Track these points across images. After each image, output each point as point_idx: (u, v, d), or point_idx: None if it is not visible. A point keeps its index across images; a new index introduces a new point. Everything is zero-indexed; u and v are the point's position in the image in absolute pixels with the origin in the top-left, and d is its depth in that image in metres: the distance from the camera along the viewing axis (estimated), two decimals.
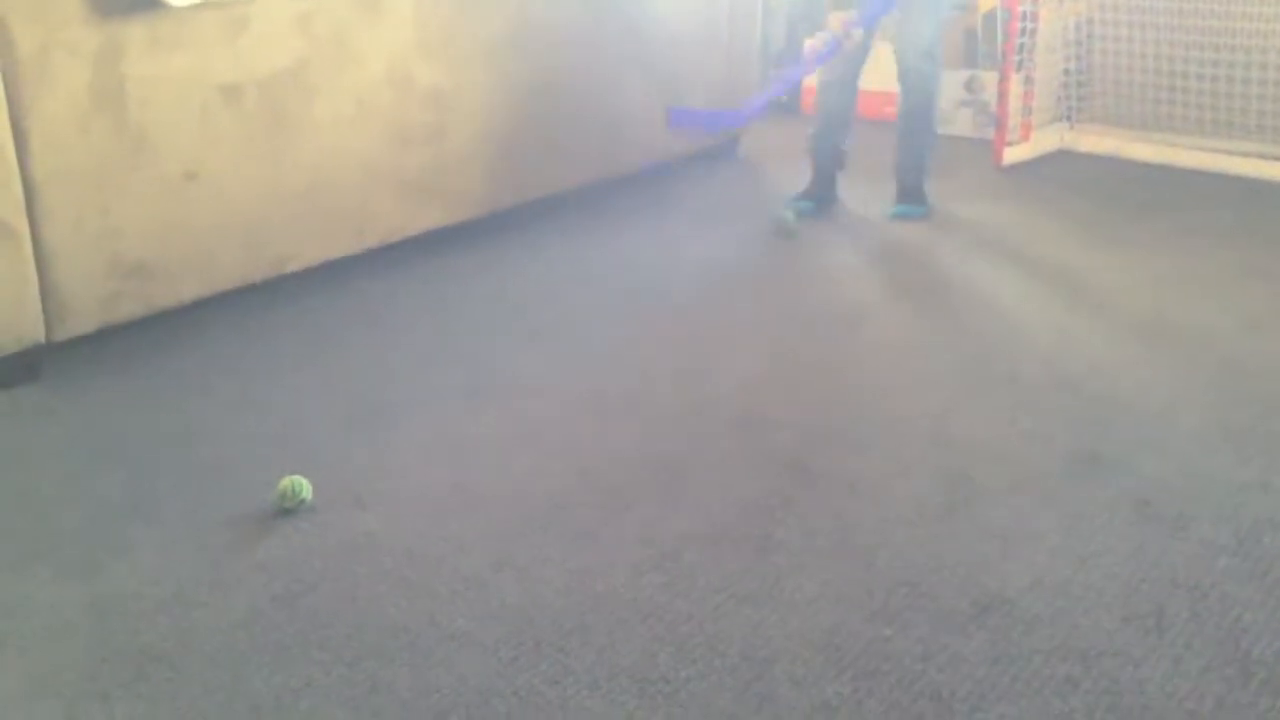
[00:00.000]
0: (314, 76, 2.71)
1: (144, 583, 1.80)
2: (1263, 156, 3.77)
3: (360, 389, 2.43)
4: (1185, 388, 2.42)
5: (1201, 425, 2.26)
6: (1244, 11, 3.78)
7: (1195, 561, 1.83)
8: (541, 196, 3.36)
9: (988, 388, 2.43)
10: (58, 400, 2.39)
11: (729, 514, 1.98)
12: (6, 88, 2.25)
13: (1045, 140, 4.08)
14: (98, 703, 1.56)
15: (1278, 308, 2.80)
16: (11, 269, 2.33)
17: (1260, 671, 1.59)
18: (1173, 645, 1.65)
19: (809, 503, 2.01)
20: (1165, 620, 1.70)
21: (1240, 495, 2.01)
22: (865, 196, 3.60)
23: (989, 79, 4.17)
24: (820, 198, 3.52)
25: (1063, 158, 4.08)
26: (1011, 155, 3.94)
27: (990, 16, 4.30)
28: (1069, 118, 4.17)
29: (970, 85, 4.30)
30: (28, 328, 2.39)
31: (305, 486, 1.98)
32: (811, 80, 4.44)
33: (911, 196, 3.46)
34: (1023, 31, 3.87)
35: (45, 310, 2.40)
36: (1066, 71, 4.10)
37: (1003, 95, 3.87)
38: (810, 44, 4.41)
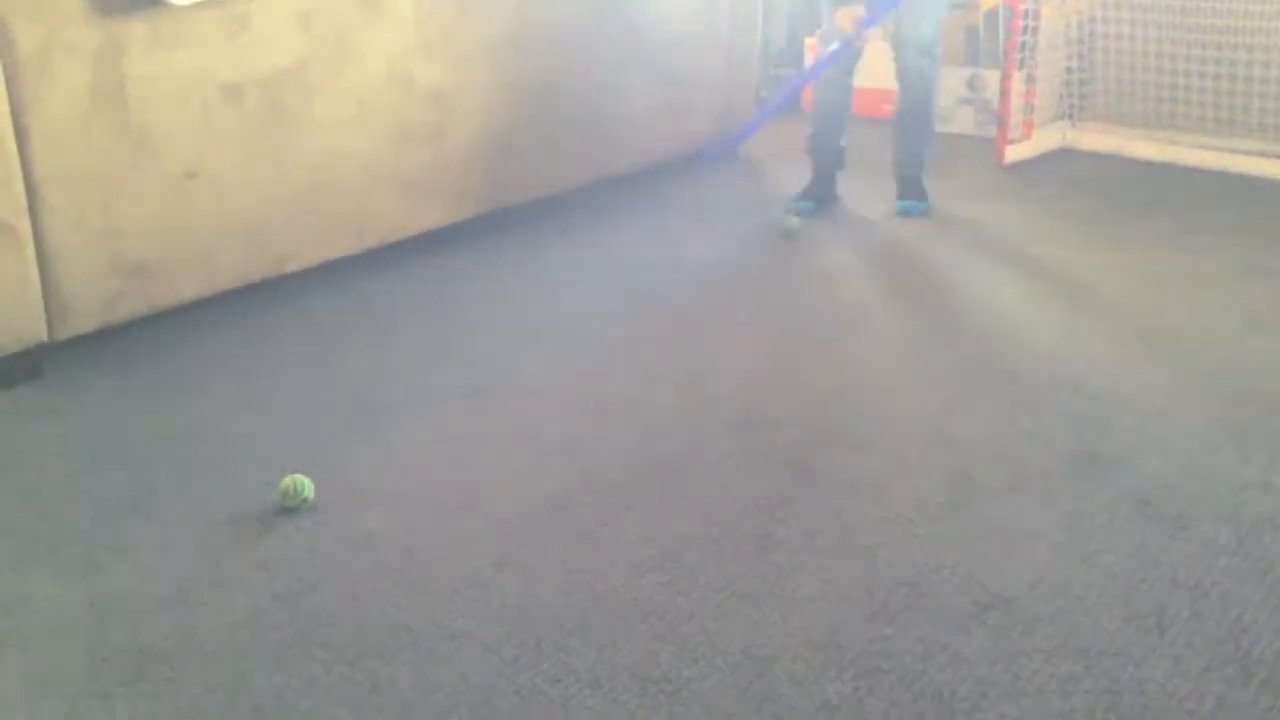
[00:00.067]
0: (314, 76, 2.71)
1: (145, 581, 1.80)
2: (1265, 155, 3.77)
3: (361, 388, 2.43)
4: (1186, 387, 2.42)
5: (1202, 424, 2.25)
6: (1246, 10, 3.78)
7: (1196, 561, 1.83)
8: (542, 196, 3.36)
9: (988, 387, 2.43)
10: (59, 399, 2.39)
11: (729, 513, 1.98)
12: (8, 87, 2.25)
13: (1047, 138, 4.08)
14: (99, 701, 1.56)
15: (1279, 306, 2.80)
16: (13, 268, 2.34)
17: (1261, 671, 1.59)
18: (1173, 644, 1.64)
19: (809, 502, 2.01)
20: (1166, 620, 1.70)
21: (1241, 494, 2.01)
22: (865, 195, 3.60)
23: (991, 77, 4.17)
24: (820, 197, 3.52)
25: (1065, 156, 4.08)
26: (1013, 153, 3.94)
27: (992, 14, 4.30)
28: (1071, 116, 4.17)
29: (972, 83, 4.30)
30: (29, 327, 2.39)
31: (307, 485, 1.98)
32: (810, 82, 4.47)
33: (912, 192, 3.46)
34: (1025, 29, 3.86)
35: (46, 309, 2.41)
36: (1068, 69, 4.10)
37: (1004, 93, 3.87)
38: (810, 43, 4.41)
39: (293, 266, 2.81)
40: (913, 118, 3.43)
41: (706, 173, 3.85)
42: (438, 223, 3.10)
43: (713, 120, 3.87)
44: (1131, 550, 1.86)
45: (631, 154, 3.58)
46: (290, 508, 1.97)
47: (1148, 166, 3.90)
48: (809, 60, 4.52)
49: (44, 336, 2.42)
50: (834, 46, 3.33)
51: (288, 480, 1.97)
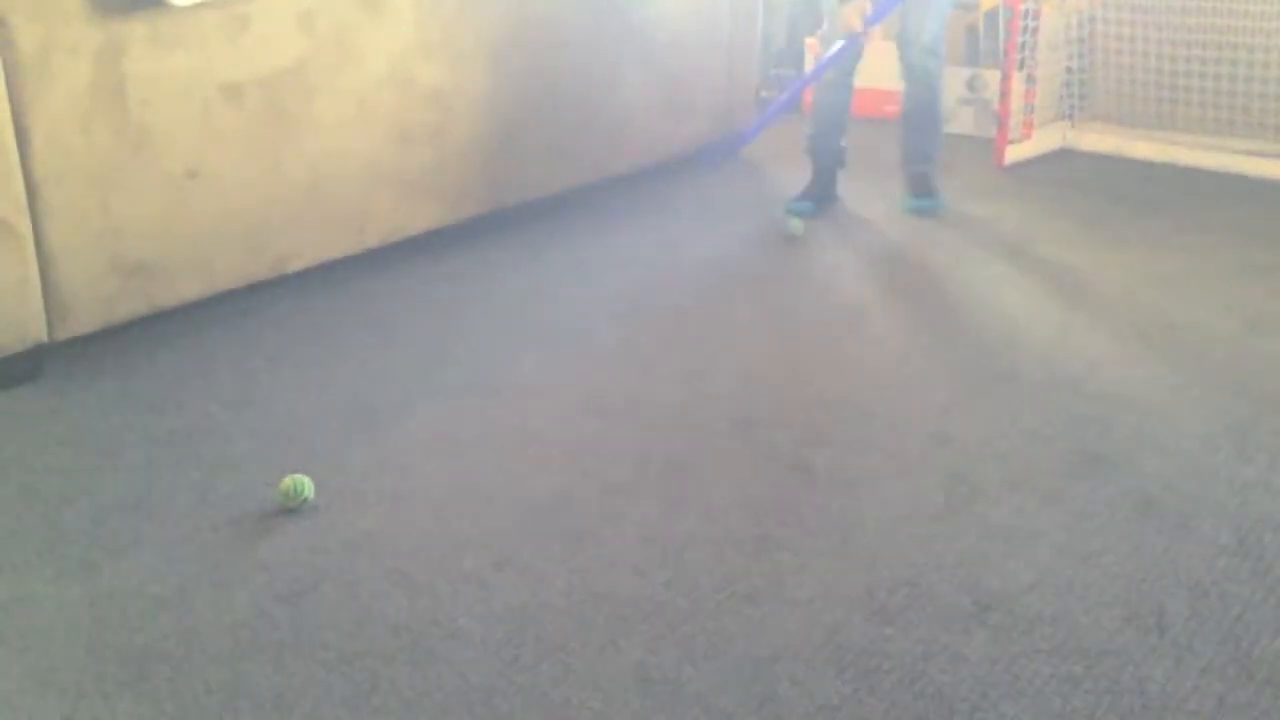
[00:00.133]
0: (315, 76, 2.71)
1: (145, 581, 1.80)
2: (1265, 155, 3.77)
3: (361, 388, 2.43)
4: (1187, 386, 2.42)
5: (1203, 424, 2.26)
6: (1246, 10, 3.78)
7: (1196, 561, 1.83)
8: (542, 196, 3.36)
9: (988, 387, 2.43)
10: (59, 399, 2.39)
11: (730, 513, 1.98)
12: (8, 86, 2.25)
13: (1047, 139, 4.08)
14: (99, 701, 1.56)
15: (1279, 306, 2.80)
16: (13, 268, 2.34)
17: (1261, 671, 1.59)
18: (1174, 644, 1.65)
19: (810, 502, 2.01)
20: (1166, 619, 1.70)
21: (1242, 494, 2.01)
22: (865, 195, 3.60)
23: (991, 77, 4.17)
24: (820, 197, 3.52)
25: (1065, 156, 4.08)
26: (1013, 154, 3.94)
27: (992, 14, 4.30)
28: (1071, 116, 4.17)
29: (972, 83, 4.30)
30: (29, 327, 2.39)
31: (307, 485, 1.98)
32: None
33: (924, 190, 3.46)
34: (1025, 29, 3.86)
35: (47, 309, 2.41)
36: (1068, 70, 4.10)
37: (1005, 93, 3.87)
38: (810, 43, 4.41)
39: (293, 266, 2.81)
40: (920, 117, 3.43)
41: (707, 173, 3.85)
42: (438, 223, 3.10)
43: (713, 120, 3.87)
44: (1132, 550, 1.86)
45: (632, 154, 3.59)
46: (291, 508, 1.97)
47: (1148, 167, 3.90)
48: (809, 61, 4.52)
49: (44, 336, 2.42)
50: (840, 43, 3.33)
51: (288, 480, 1.97)
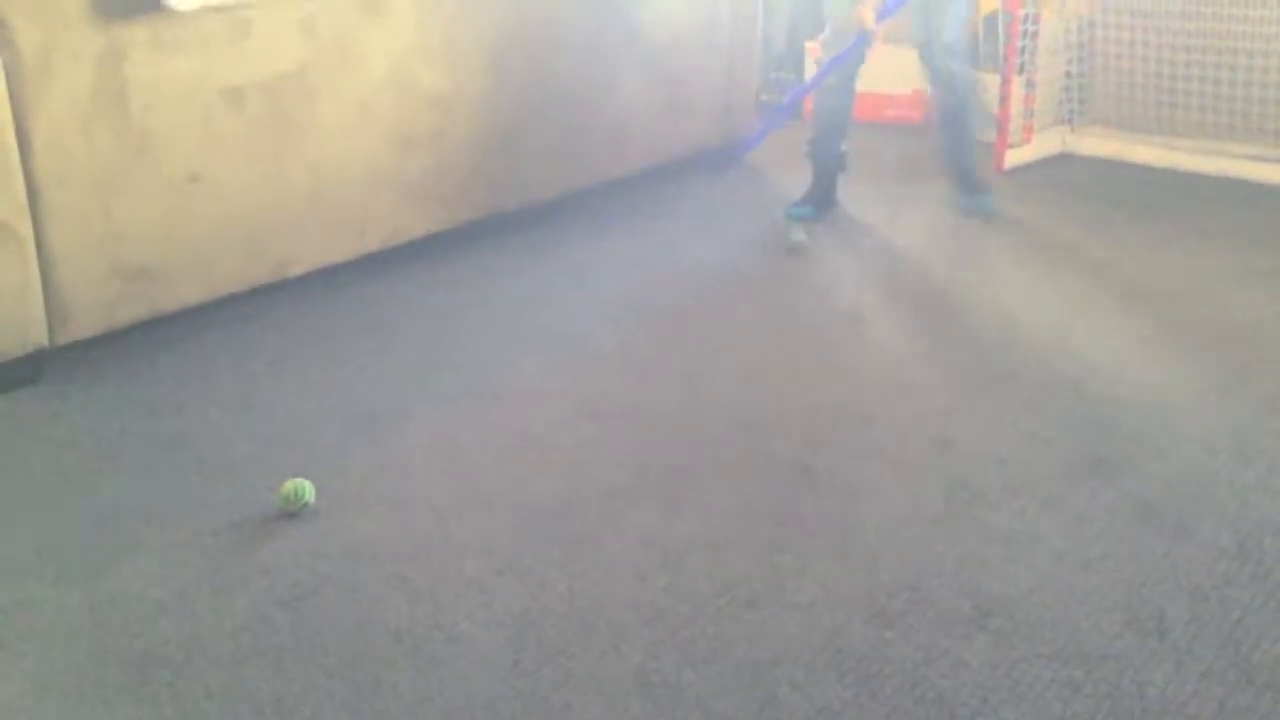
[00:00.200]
0: (316, 80, 2.71)
1: (146, 585, 1.80)
2: (1264, 159, 3.77)
3: (362, 392, 2.43)
4: (1186, 391, 2.42)
5: (1203, 428, 2.26)
6: (1245, 15, 3.78)
7: (1196, 565, 1.83)
8: (542, 200, 3.36)
9: (988, 391, 2.43)
10: (60, 403, 2.39)
11: (730, 518, 1.98)
12: (10, 90, 2.26)
13: (1047, 143, 4.08)
14: (99, 706, 1.56)
15: (1279, 310, 2.81)
16: (14, 272, 2.34)
17: (1261, 675, 1.60)
18: (1174, 649, 1.65)
19: (810, 507, 2.01)
20: (1166, 624, 1.70)
21: (1242, 498, 2.02)
22: (865, 200, 3.60)
23: (990, 81, 4.17)
24: (820, 202, 3.51)
25: (1064, 160, 4.08)
26: (1013, 158, 3.94)
27: (992, 19, 4.30)
28: (1070, 120, 4.17)
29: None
30: (31, 331, 2.39)
31: (308, 489, 1.98)
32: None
33: (976, 187, 3.48)
34: (1024, 34, 3.87)
35: (48, 313, 2.41)
36: (1068, 74, 4.10)
37: (1004, 98, 3.87)
38: (810, 46, 4.41)
39: (294, 271, 2.81)
40: (955, 118, 3.43)
41: (707, 177, 3.85)
42: (438, 227, 3.10)
43: (713, 124, 3.87)
44: (1132, 555, 1.86)
45: (632, 158, 3.59)
46: (291, 512, 1.97)
47: (1147, 171, 3.90)
48: (808, 65, 4.52)
49: (45, 340, 2.42)
50: (850, 40, 3.31)
51: (289, 484, 1.97)
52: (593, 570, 1.83)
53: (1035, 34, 3.90)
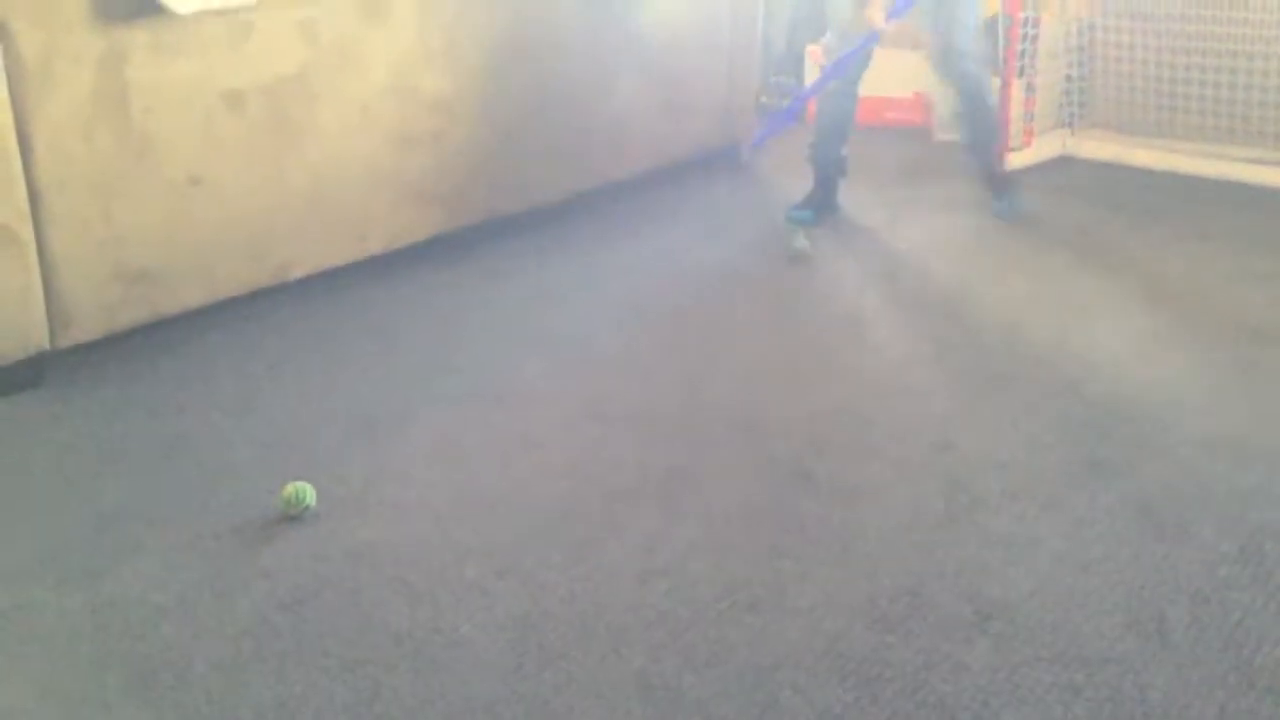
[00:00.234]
0: (317, 83, 2.71)
1: (147, 589, 1.80)
2: (1264, 162, 3.77)
3: (363, 395, 2.43)
4: (1186, 393, 2.42)
5: (1203, 431, 2.26)
6: (1245, 18, 3.78)
7: (1197, 568, 1.83)
8: (543, 203, 3.36)
9: (989, 394, 2.43)
10: (61, 407, 2.39)
11: (732, 521, 1.98)
12: (11, 93, 2.26)
13: (1047, 146, 4.08)
14: (100, 709, 1.56)
15: (1279, 314, 2.81)
16: (16, 275, 2.34)
17: (1262, 679, 1.60)
18: (1175, 652, 1.65)
19: (811, 510, 2.01)
20: (1167, 627, 1.70)
21: (1242, 502, 2.02)
22: (865, 203, 3.60)
23: (991, 85, 4.17)
24: (821, 206, 3.51)
25: (1064, 164, 4.08)
26: (1013, 161, 3.94)
27: (992, 22, 4.30)
28: (1071, 124, 4.17)
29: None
30: (32, 334, 2.39)
31: (309, 493, 1.98)
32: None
33: (1005, 189, 3.48)
34: (1024, 37, 3.87)
35: (49, 317, 2.41)
36: (1068, 78, 4.11)
37: (1004, 101, 3.87)
38: (811, 49, 4.42)
39: (295, 273, 2.81)
40: (975, 120, 3.43)
41: (707, 179, 3.85)
42: (439, 230, 3.10)
43: (714, 126, 3.87)
44: (1132, 558, 1.86)
45: (632, 160, 3.59)
46: (292, 515, 1.97)
47: (1147, 174, 3.90)
48: (808, 68, 4.52)
49: (46, 344, 2.42)
50: (858, 42, 3.29)
51: (290, 488, 1.98)
52: (594, 574, 1.83)
53: (1035, 37, 3.90)
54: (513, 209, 3.28)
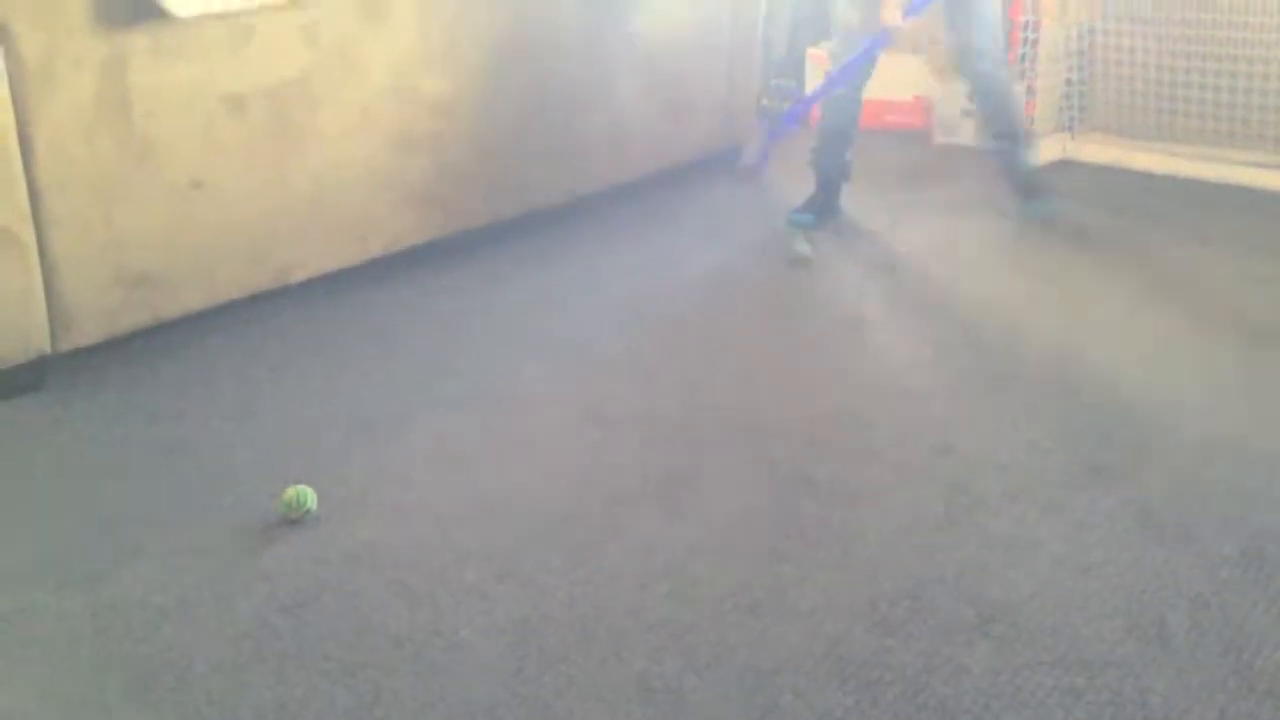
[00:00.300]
0: (318, 86, 2.72)
1: (148, 592, 1.80)
2: (1264, 166, 3.78)
3: (363, 398, 2.43)
4: (1187, 396, 2.42)
5: (1203, 434, 2.26)
6: (1246, 21, 3.79)
7: (1197, 572, 1.83)
8: (544, 206, 3.37)
9: (989, 397, 2.43)
10: (62, 410, 2.39)
11: (732, 524, 1.98)
12: (12, 97, 2.26)
13: (1047, 150, 4.08)
14: (101, 713, 1.56)
15: None
16: (17, 279, 2.34)
17: (1263, 683, 1.59)
18: (1176, 656, 1.65)
19: (812, 513, 2.01)
20: (1168, 631, 1.70)
21: (1243, 505, 2.02)
22: (866, 206, 3.60)
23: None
24: (822, 210, 3.50)
25: (1065, 167, 4.09)
26: None
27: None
28: (1071, 127, 4.17)
29: (972, 95, 4.31)
30: (33, 338, 2.39)
31: (310, 496, 1.98)
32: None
33: (1038, 192, 3.45)
34: (1024, 41, 3.87)
35: (50, 320, 2.41)
36: (1068, 81, 4.11)
37: None
38: (813, 53, 4.42)
39: (296, 277, 2.81)
40: (998, 121, 3.41)
41: (708, 183, 3.86)
42: (440, 233, 3.10)
43: (714, 129, 3.88)
44: (1133, 561, 1.86)
45: (633, 163, 3.59)
46: (293, 519, 1.97)
47: (1148, 178, 3.90)
48: (809, 72, 4.52)
49: (47, 347, 2.42)
50: (874, 38, 3.26)
51: (290, 491, 1.98)
52: (594, 577, 1.83)
53: (1035, 41, 3.91)
54: (513, 212, 3.29)
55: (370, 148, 2.87)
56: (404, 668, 1.63)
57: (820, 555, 1.89)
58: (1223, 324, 2.78)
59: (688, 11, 3.65)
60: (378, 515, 2.01)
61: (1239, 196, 3.71)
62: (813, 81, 4.49)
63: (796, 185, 3.59)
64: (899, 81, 4.18)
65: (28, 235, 2.34)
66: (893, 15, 3.20)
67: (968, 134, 4.33)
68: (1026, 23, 3.85)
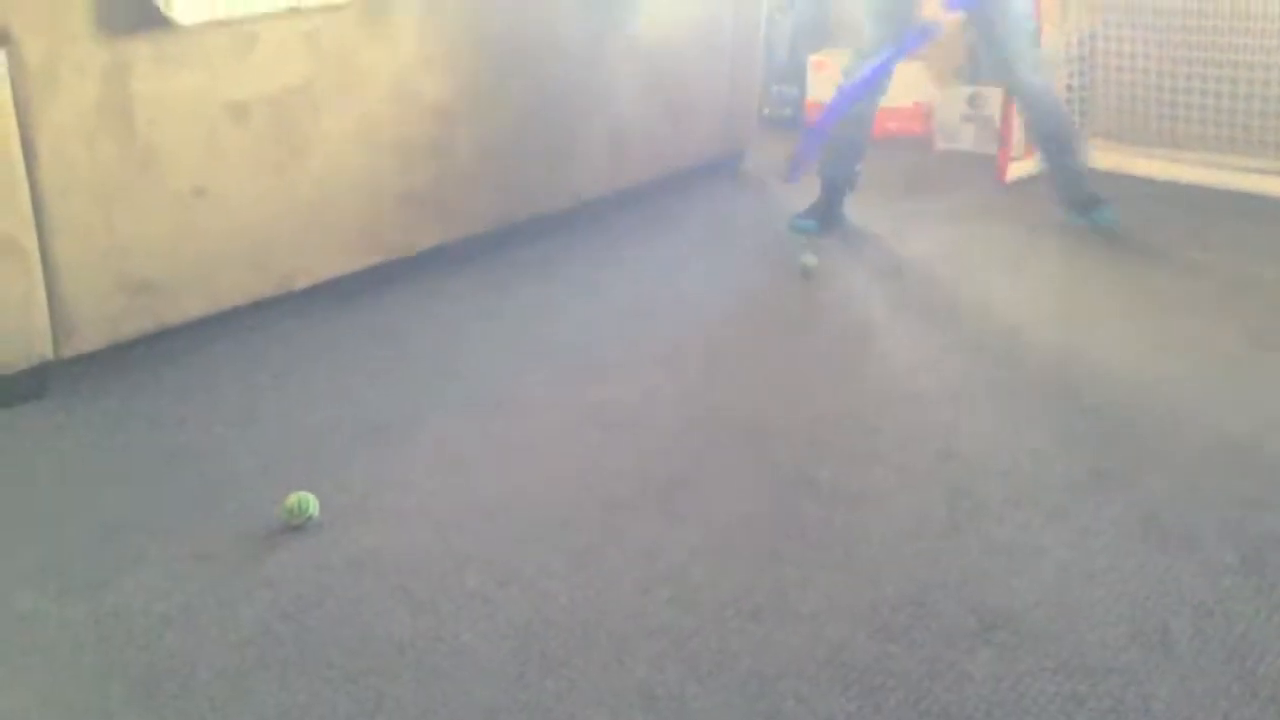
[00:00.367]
0: (321, 93, 2.72)
1: (150, 599, 1.80)
2: (1266, 172, 3.78)
3: (366, 404, 2.43)
4: (1190, 403, 2.42)
5: (1205, 441, 2.26)
6: (1247, 28, 3.79)
7: (1200, 579, 1.83)
8: (546, 211, 3.37)
9: (992, 403, 2.43)
10: (65, 416, 2.40)
11: (734, 529, 1.98)
12: (15, 104, 2.26)
13: None
14: (104, 719, 1.56)
15: None
16: (19, 285, 2.34)
17: (1266, 689, 1.59)
18: (1178, 662, 1.64)
19: (814, 517, 2.01)
20: (1171, 637, 1.70)
21: (1245, 512, 2.01)
22: (869, 211, 3.60)
23: (992, 95, 4.18)
24: (825, 217, 3.49)
25: None
26: (1015, 171, 3.94)
27: None
28: None
29: (973, 101, 4.32)
30: (36, 344, 2.40)
31: (312, 502, 1.98)
32: (814, 98, 4.47)
33: (1092, 203, 3.42)
34: None
35: (53, 327, 2.41)
36: (1070, 88, 4.11)
37: (1006, 111, 3.88)
38: (815, 60, 4.41)
39: (299, 283, 2.81)
40: (1053, 136, 3.39)
41: (709, 188, 3.86)
42: (441, 239, 3.10)
43: (715, 135, 3.88)
44: (1136, 568, 1.86)
45: (635, 168, 3.59)
46: (295, 525, 1.97)
47: (1149, 184, 3.90)
48: (810, 78, 4.52)
49: (50, 354, 2.42)
50: (914, 33, 3.21)
51: (293, 497, 1.98)
52: (596, 581, 1.83)
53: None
54: (515, 217, 3.29)
55: (372, 154, 2.87)
56: (406, 673, 1.63)
57: (823, 560, 1.89)
58: (1225, 329, 2.78)
59: (689, 16, 3.66)
60: (380, 521, 2.01)
61: (1240, 202, 3.71)
62: (814, 86, 4.50)
63: (799, 191, 3.59)
64: (900, 88, 4.17)
65: (30, 241, 2.34)
66: (937, 8, 3.15)
67: (968, 140, 4.34)
68: None
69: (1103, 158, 4.08)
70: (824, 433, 2.31)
